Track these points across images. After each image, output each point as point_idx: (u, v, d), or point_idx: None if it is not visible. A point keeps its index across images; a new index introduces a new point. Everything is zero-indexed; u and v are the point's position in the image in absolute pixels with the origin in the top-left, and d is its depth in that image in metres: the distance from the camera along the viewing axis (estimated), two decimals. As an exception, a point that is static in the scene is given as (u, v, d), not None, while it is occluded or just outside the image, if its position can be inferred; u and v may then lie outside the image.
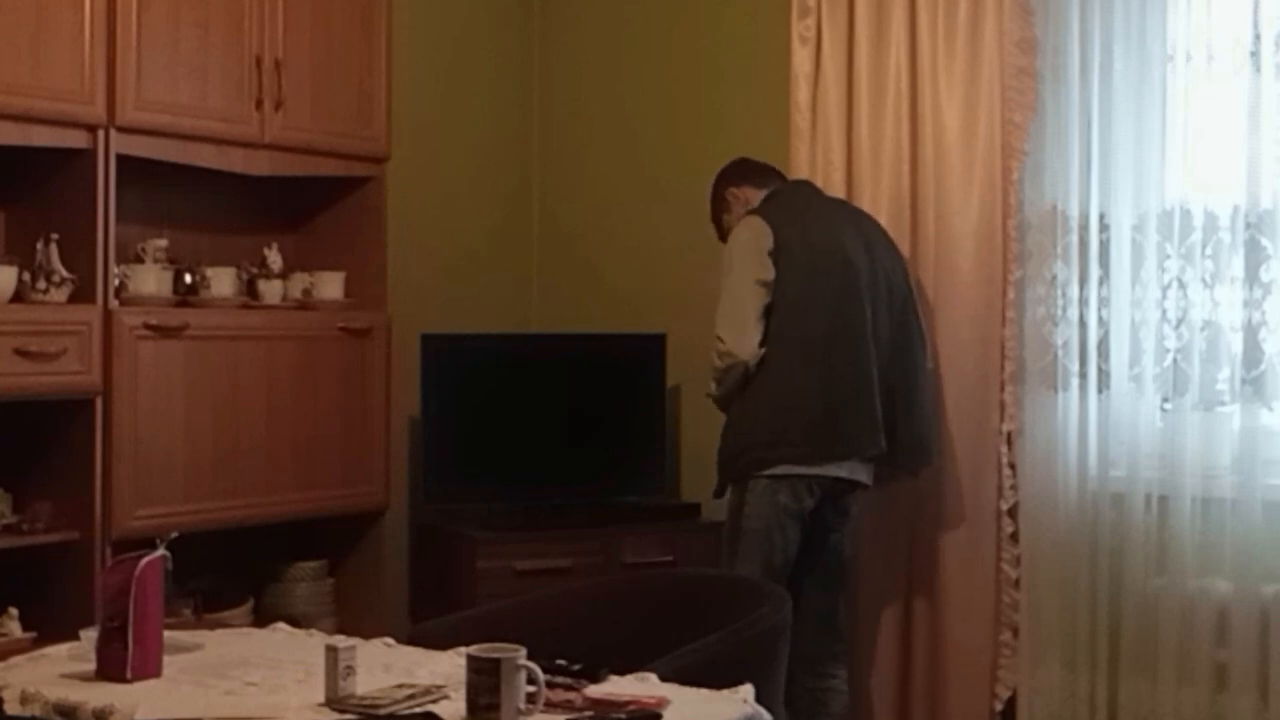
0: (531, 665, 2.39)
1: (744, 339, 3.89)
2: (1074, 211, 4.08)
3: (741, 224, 4.04)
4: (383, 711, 2.43)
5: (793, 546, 3.93)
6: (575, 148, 5.23)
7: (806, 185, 4.27)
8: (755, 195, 4.14)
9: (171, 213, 4.18)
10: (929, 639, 4.31)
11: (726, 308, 3.94)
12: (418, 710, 2.44)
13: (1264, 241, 3.83)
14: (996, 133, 4.18)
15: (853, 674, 4.22)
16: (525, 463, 4.74)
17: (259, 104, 4.04)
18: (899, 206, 4.33)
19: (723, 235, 4.18)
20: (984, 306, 4.22)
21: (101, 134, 3.69)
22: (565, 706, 2.46)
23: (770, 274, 3.91)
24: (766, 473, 3.89)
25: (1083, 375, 4.07)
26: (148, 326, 3.79)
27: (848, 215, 4.17)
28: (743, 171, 4.22)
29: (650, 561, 4.52)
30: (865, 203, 4.35)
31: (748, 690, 2.59)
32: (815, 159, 4.44)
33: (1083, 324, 4.07)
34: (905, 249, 4.30)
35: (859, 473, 3.99)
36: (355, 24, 4.31)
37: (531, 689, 2.40)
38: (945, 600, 4.27)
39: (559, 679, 2.54)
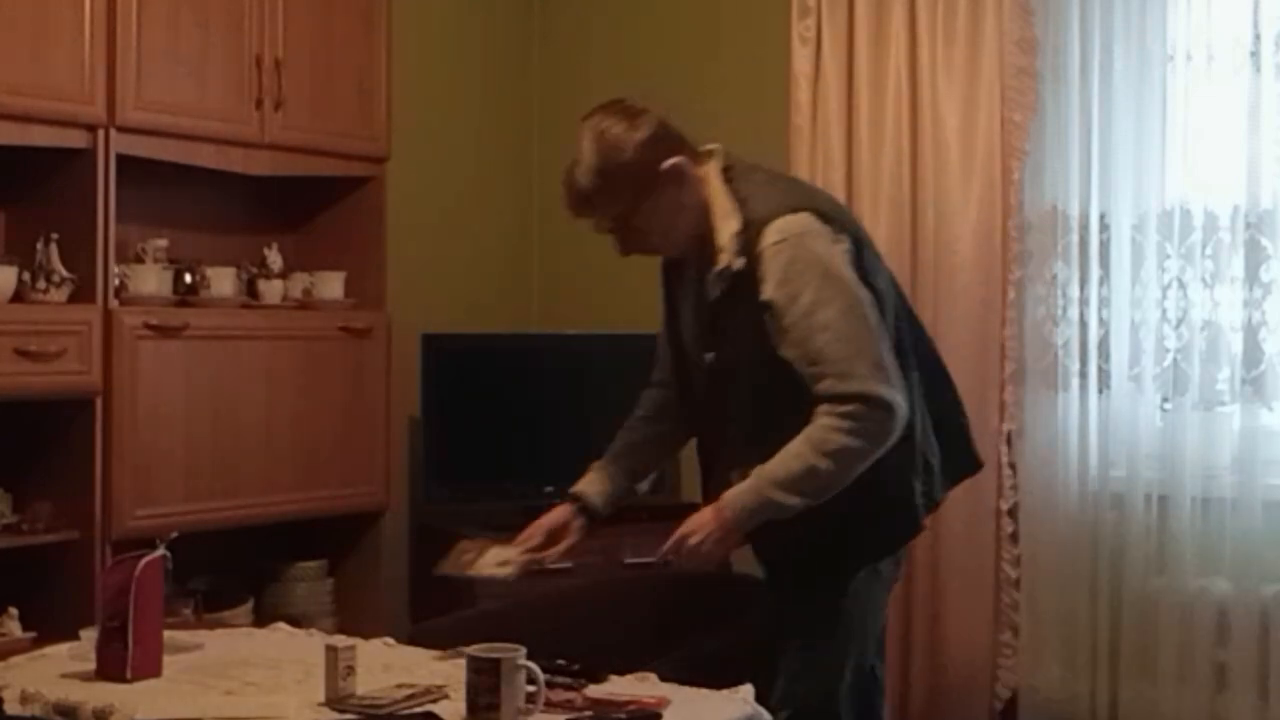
0: (531, 665, 2.39)
1: (899, 387, 2.71)
2: (1074, 211, 4.08)
3: (800, 229, 2.70)
4: (383, 711, 2.43)
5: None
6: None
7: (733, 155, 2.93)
8: (708, 170, 2.84)
9: (171, 213, 4.18)
10: (929, 639, 4.31)
11: (865, 347, 2.67)
12: (418, 710, 2.44)
13: (1264, 241, 3.83)
14: (996, 133, 4.18)
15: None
16: (525, 463, 4.74)
17: (259, 104, 4.04)
18: (899, 206, 4.32)
19: (631, 237, 2.82)
20: (984, 306, 4.22)
21: (101, 134, 3.69)
22: (565, 706, 2.46)
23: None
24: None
25: (1083, 375, 4.07)
26: (148, 326, 3.78)
27: None
28: (667, 131, 2.88)
29: (650, 561, 4.51)
30: (865, 203, 4.36)
31: (748, 690, 2.59)
32: (815, 159, 4.44)
33: (1083, 324, 4.07)
34: (905, 249, 4.30)
35: None
36: (355, 24, 4.31)
37: (531, 689, 2.40)
38: (945, 600, 4.27)
39: (559, 679, 2.54)
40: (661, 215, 2.79)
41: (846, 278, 2.69)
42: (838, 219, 2.77)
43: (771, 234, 2.69)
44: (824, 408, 2.65)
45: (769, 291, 2.68)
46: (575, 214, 2.85)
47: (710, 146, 2.88)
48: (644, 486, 3.16)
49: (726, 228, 2.75)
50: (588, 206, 2.82)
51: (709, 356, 2.83)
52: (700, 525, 2.76)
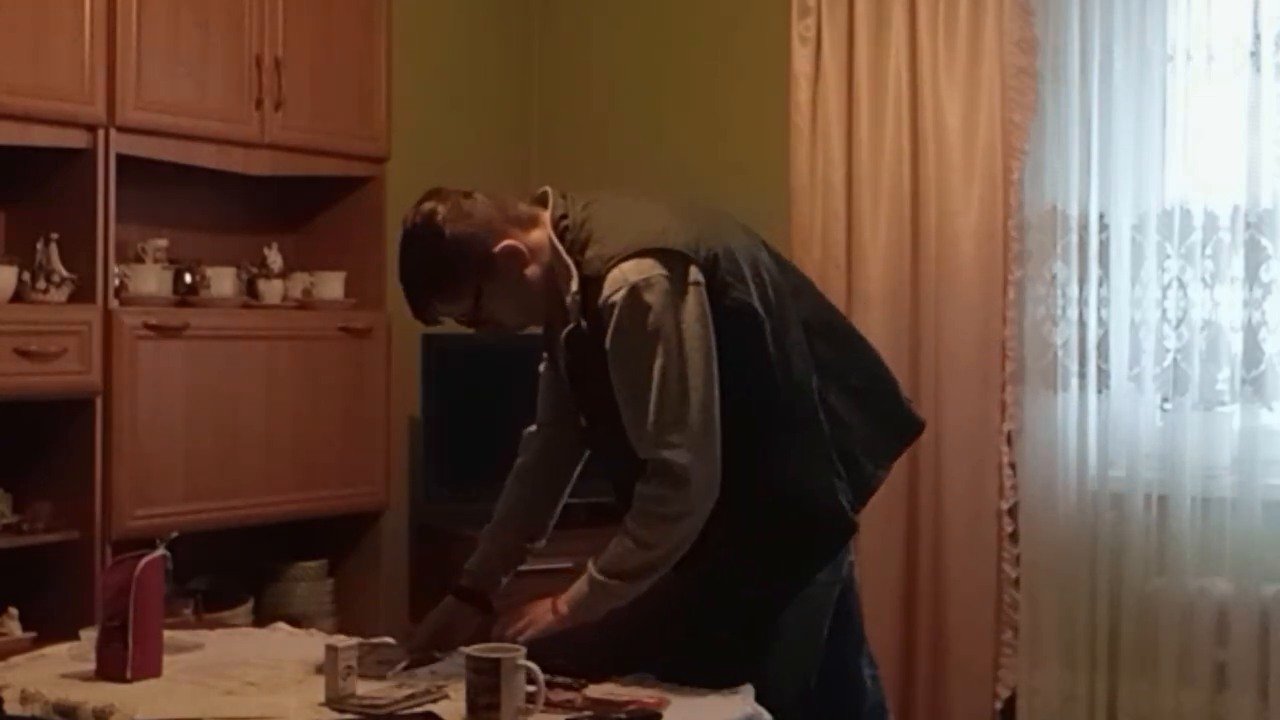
0: (531, 665, 2.39)
1: (715, 471, 2.58)
2: (1074, 211, 4.08)
3: (636, 277, 2.52)
4: (383, 711, 2.43)
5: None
6: (575, 148, 5.23)
7: (567, 198, 2.72)
8: (542, 231, 2.66)
9: (171, 213, 4.18)
10: (929, 639, 4.31)
11: (680, 412, 2.53)
12: (418, 710, 2.44)
13: (1264, 241, 3.83)
14: (996, 133, 4.18)
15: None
16: (525, 463, 4.73)
17: (259, 104, 4.04)
18: (899, 206, 4.33)
19: (486, 324, 2.71)
20: (984, 306, 4.21)
21: (101, 134, 3.69)
22: (565, 706, 2.46)
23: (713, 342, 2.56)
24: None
25: (1083, 375, 4.07)
26: (148, 326, 3.79)
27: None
28: (492, 209, 2.66)
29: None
30: (865, 202, 4.36)
31: (748, 690, 2.59)
32: (815, 159, 4.44)
33: (1083, 324, 4.07)
34: (906, 249, 4.30)
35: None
36: (355, 24, 4.31)
37: (531, 689, 2.40)
38: (945, 600, 4.27)
39: (559, 679, 2.54)
40: (509, 298, 2.67)
41: (679, 332, 2.52)
42: (681, 248, 2.55)
43: (608, 286, 2.54)
44: (638, 484, 2.58)
45: (607, 343, 2.55)
46: (422, 320, 2.70)
47: (540, 192, 2.73)
48: (540, 544, 2.98)
49: (568, 290, 2.61)
50: (430, 310, 2.67)
51: (583, 421, 2.76)
52: (540, 615, 2.70)
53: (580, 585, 2.66)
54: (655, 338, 2.51)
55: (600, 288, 2.55)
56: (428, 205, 2.66)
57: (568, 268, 2.62)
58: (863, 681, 2.97)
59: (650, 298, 2.51)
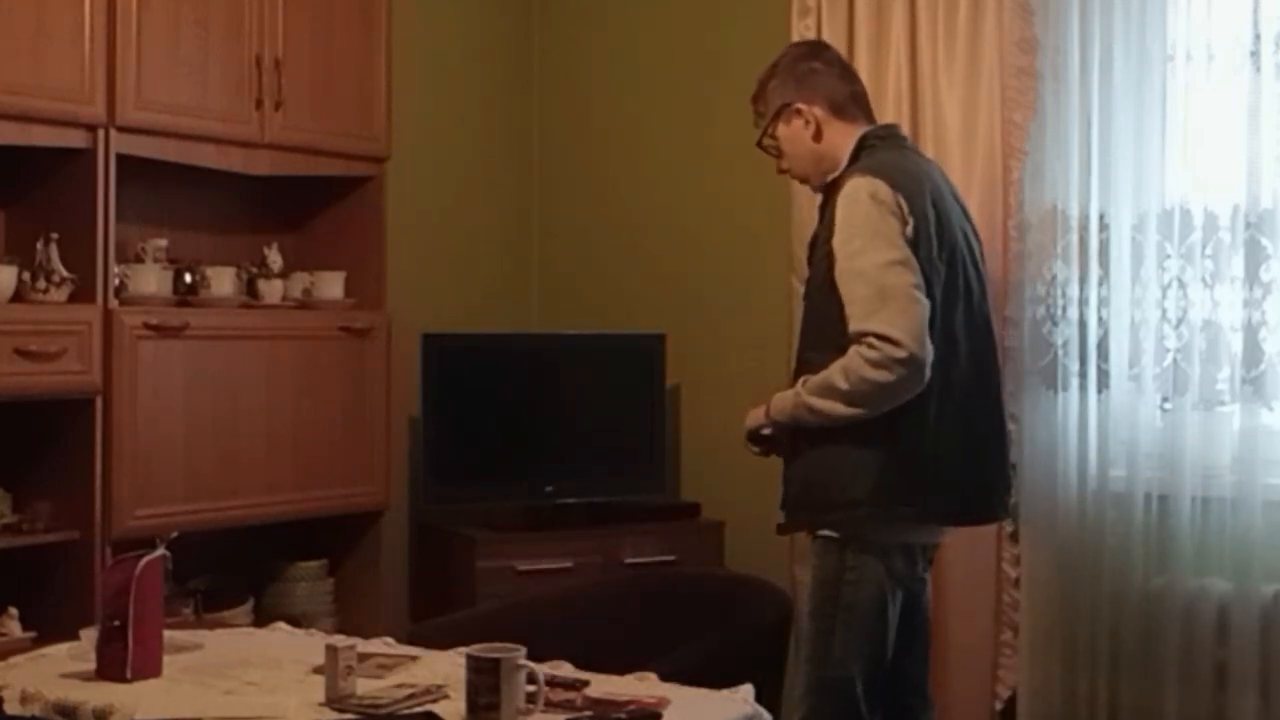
0: (531, 665, 2.39)
1: (924, 339, 3.03)
2: (1074, 211, 4.08)
3: (869, 190, 3.10)
4: (383, 711, 2.43)
5: (896, 622, 3.22)
6: (575, 147, 5.23)
7: (901, 139, 3.44)
8: (842, 132, 3.29)
9: (171, 213, 4.18)
10: (929, 638, 4.29)
11: (893, 297, 3.03)
12: (418, 710, 2.44)
13: (1264, 241, 3.83)
14: (996, 133, 4.18)
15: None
16: (525, 463, 4.74)
17: (259, 104, 4.04)
18: (899, 206, 4.32)
19: (766, 144, 3.40)
20: (984, 306, 4.21)
21: (101, 134, 3.69)
22: (565, 706, 2.46)
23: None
24: (884, 537, 3.14)
25: (1083, 375, 4.06)
26: (148, 326, 3.79)
27: (954, 193, 3.43)
28: (826, 85, 3.34)
29: (650, 561, 4.52)
30: (865, 203, 4.35)
31: (748, 690, 2.59)
32: (815, 159, 4.43)
33: (1083, 324, 4.06)
34: (905, 249, 4.31)
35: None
36: (355, 24, 4.31)
37: (531, 689, 2.40)
38: (945, 600, 4.26)
39: (559, 678, 2.54)
40: (786, 142, 3.32)
41: (889, 236, 3.04)
42: (899, 186, 3.09)
43: (844, 186, 3.12)
44: (855, 344, 3.03)
45: (833, 238, 3.10)
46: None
47: (889, 123, 3.50)
48: None
49: (826, 180, 3.27)
50: (752, 103, 3.42)
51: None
52: (754, 415, 3.27)
53: (784, 399, 3.17)
54: (875, 237, 3.04)
55: (839, 189, 3.14)
56: (804, 43, 3.74)
57: (837, 166, 3.23)
58: (925, 693, 3.47)
59: (874, 210, 3.06)
